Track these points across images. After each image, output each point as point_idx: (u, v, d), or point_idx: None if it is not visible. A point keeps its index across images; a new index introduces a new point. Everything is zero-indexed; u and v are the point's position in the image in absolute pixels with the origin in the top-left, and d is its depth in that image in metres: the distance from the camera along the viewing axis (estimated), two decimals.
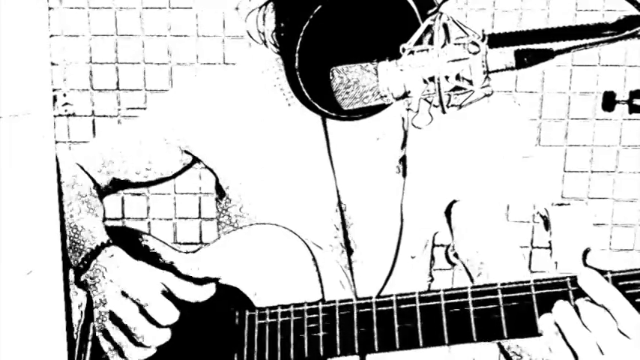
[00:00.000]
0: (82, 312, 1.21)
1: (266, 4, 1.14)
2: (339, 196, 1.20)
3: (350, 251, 1.22)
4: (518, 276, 0.98)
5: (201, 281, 1.15)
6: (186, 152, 1.27)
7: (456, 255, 1.27)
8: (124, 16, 2.16)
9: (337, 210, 1.21)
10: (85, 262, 1.17)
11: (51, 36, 2.16)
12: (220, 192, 1.31)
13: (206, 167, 1.28)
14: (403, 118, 1.22)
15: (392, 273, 1.23)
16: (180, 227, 2.28)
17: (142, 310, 1.10)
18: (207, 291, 1.12)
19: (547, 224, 0.95)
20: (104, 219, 1.26)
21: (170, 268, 1.20)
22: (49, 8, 2.15)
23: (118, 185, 1.33)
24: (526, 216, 2.22)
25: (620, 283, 0.84)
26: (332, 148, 1.21)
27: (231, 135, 1.23)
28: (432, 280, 1.34)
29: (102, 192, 1.32)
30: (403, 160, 1.21)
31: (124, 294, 1.11)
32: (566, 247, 0.95)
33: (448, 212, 1.26)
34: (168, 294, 1.12)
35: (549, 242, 0.96)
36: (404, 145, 1.21)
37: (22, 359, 0.99)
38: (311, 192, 1.21)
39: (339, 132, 1.21)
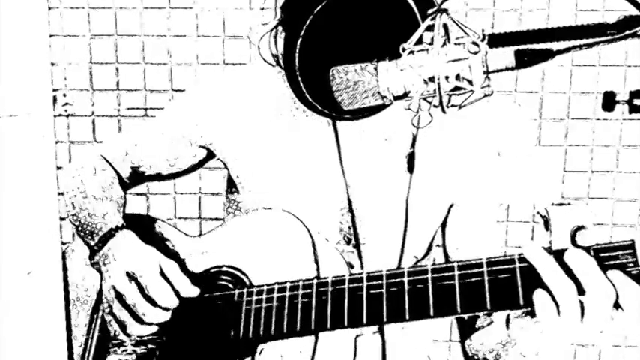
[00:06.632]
0: (96, 291, 1.26)
1: (276, 27, 1.15)
2: (348, 193, 1.21)
3: (356, 248, 1.23)
4: None
5: (198, 278, 1.18)
6: (202, 147, 1.29)
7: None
8: (124, 16, 2.16)
9: (347, 209, 1.22)
10: (100, 244, 1.20)
11: (51, 36, 2.16)
12: (231, 185, 1.33)
13: (220, 161, 1.30)
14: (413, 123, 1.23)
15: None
16: (181, 227, 2.27)
17: (142, 290, 1.13)
18: (194, 290, 1.16)
19: (547, 224, 0.95)
20: (124, 208, 1.31)
21: (177, 256, 1.24)
22: (49, 8, 2.15)
23: (138, 178, 1.36)
24: (526, 216, 2.22)
25: (602, 255, 0.89)
26: (342, 148, 1.22)
27: (248, 131, 1.24)
28: None
29: (125, 185, 1.36)
30: (411, 156, 1.21)
31: (127, 273, 1.14)
32: (565, 247, 0.95)
33: (445, 218, 1.28)
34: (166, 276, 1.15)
35: (549, 242, 0.96)
36: (413, 144, 1.22)
37: (22, 358, 0.99)
38: (320, 191, 1.22)
39: (348, 132, 1.22)
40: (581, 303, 0.89)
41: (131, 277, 1.14)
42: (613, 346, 2.26)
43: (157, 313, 1.13)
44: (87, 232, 1.24)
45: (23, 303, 1.00)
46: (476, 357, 1.19)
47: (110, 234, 1.20)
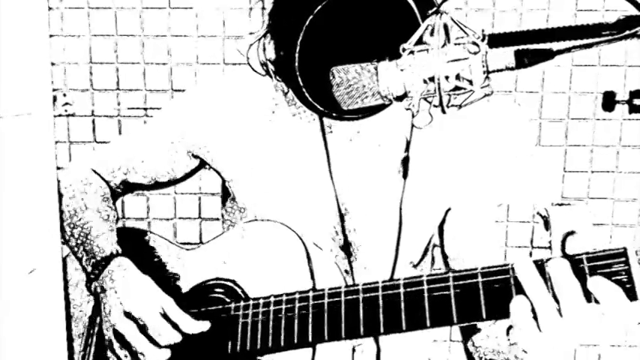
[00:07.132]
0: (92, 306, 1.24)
1: (265, 35, 1.14)
2: (337, 201, 1.21)
3: (350, 255, 1.22)
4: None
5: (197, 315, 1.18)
6: (194, 156, 1.29)
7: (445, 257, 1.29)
8: (124, 16, 2.16)
9: (337, 215, 1.21)
10: (96, 272, 1.19)
11: (51, 36, 2.16)
12: (226, 193, 1.33)
13: (213, 170, 1.30)
14: (412, 124, 1.22)
15: (393, 276, 1.23)
16: (180, 227, 2.28)
17: (143, 330, 1.12)
18: (201, 326, 1.14)
19: (547, 224, 0.95)
20: (116, 223, 1.29)
21: (169, 273, 1.22)
22: (49, 8, 2.15)
23: (131, 187, 1.35)
24: (526, 216, 2.22)
25: (593, 264, 0.88)
26: (331, 154, 1.21)
27: (238, 139, 1.24)
28: None
29: (115, 194, 1.35)
30: (405, 161, 1.21)
31: (126, 313, 1.14)
32: (565, 246, 0.95)
33: (442, 221, 1.27)
34: (167, 316, 1.14)
35: (549, 242, 0.96)
36: (407, 148, 1.21)
37: (22, 358, 0.99)
38: (311, 197, 1.22)
39: (337, 138, 1.22)
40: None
41: (130, 316, 1.13)
42: (612, 346, 2.26)
43: (157, 353, 1.12)
44: (82, 254, 1.23)
45: (23, 303, 0.99)
46: (478, 357, 1.19)
47: (106, 262, 1.19)
